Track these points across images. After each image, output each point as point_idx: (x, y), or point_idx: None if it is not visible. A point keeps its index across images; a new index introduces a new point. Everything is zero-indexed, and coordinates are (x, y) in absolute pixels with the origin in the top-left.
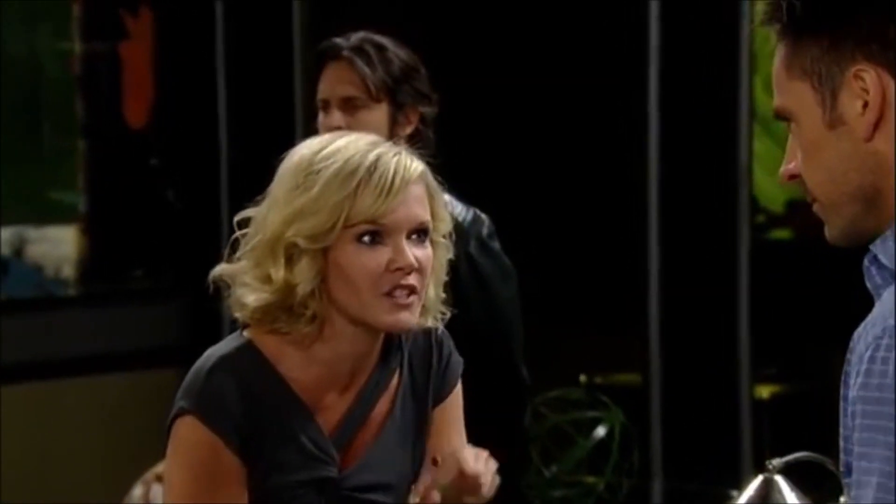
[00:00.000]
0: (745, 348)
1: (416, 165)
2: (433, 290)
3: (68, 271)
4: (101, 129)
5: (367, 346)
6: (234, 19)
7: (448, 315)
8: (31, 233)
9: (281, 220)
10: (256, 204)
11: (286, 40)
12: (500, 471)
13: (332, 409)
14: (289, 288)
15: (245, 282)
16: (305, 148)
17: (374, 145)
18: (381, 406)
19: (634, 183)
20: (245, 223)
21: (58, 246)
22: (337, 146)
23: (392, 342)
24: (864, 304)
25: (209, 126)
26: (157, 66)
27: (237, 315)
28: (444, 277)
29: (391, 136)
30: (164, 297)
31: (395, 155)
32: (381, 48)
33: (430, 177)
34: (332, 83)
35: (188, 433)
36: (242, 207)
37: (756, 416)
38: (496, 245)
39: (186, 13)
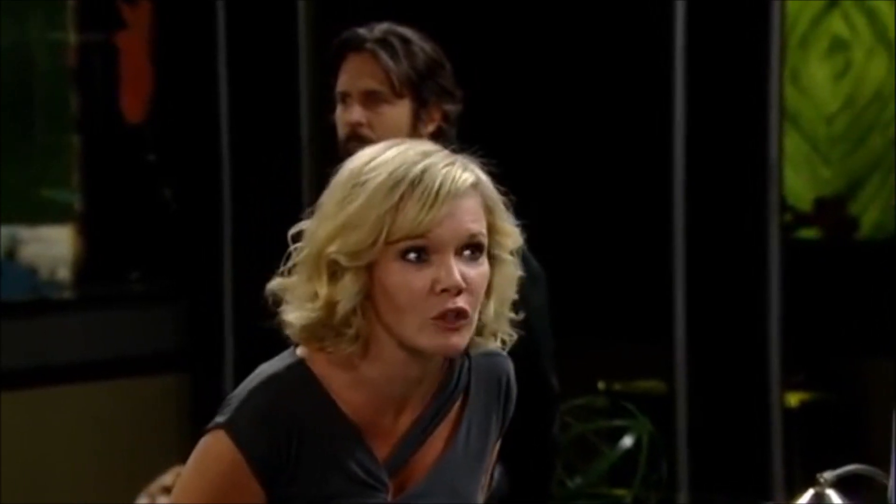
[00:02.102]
0: (775, 354)
1: (467, 177)
2: (493, 308)
3: (63, 273)
4: (96, 124)
5: (418, 370)
6: (236, 8)
7: (515, 336)
8: (25, 233)
9: (325, 236)
10: (308, 215)
11: (291, 31)
12: (528, 483)
13: (387, 434)
14: (331, 305)
15: (292, 298)
16: (358, 158)
17: (425, 156)
18: (442, 431)
19: (659, 181)
20: (299, 237)
21: (52, 247)
22: (387, 157)
23: (454, 366)
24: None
25: (210, 121)
26: (155, 58)
27: (287, 333)
28: (510, 296)
29: (413, 133)
30: (161, 300)
31: (445, 166)
32: (406, 41)
33: (487, 188)
34: (353, 76)
35: (213, 444)
36: (244, 207)
37: (785, 424)
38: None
39: (186, 2)
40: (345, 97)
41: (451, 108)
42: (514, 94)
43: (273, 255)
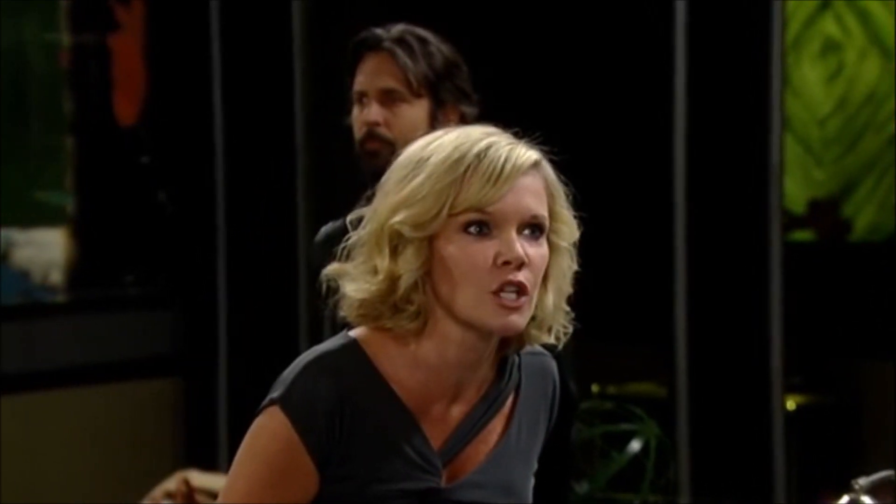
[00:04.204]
0: (776, 357)
1: (531, 155)
2: (552, 300)
3: (56, 277)
4: (90, 126)
5: (476, 352)
6: (230, 10)
7: (571, 331)
8: (17, 236)
9: (387, 209)
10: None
11: (285, 32)
12: (547, 487)
13: (442, 421)
14: (392, 279)
15: (352, 276)
16: (419, 141)
17: (488, 135)
18: (495, 425)
19: (660, 184)
20: (359, 223)
21: (45, 250)
22: (450, 136)
23: (507, 359)
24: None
25: (204, 123)
26: (149, 60)
27: (344, 312)
28: (567, 289)
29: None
30: (156, 303)
31: (509, 144)
32: (423, 41)
33: (549, 172)
34: (370, 75)
35: (268, 423)
36: (238, 209)
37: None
38: None
39: (180, 3)
40: (361, 97)
41: (468, 109)
42: (514, 100)
43: (267, 257)
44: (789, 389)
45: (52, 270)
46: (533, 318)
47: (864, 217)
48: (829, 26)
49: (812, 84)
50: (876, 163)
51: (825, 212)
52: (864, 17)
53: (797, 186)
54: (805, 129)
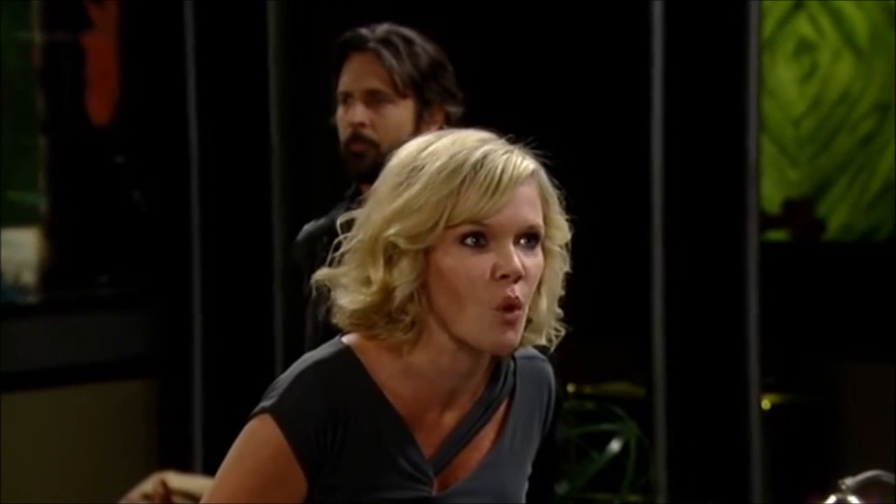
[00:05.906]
0: (753, 357)
1: (528, 164)
2: (545, 304)
3: (29, 277)
4: (63, 126)
5: (470, 364)
6: (204, 8)
7: (563, 333)
8: None
9: (382, 219)
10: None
11: (260, 30)
12: (533, 486)
13: (435, 428)
14: (387, 291)
15: (344, 284)
16: (412, 144)
17: (483, 142)
18: (488, 431)
19: (638, 183)
20: (348, 226)
21: (18, 250)
22: (444, 143)
23: (502, 364)
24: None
25: (178, 122)
26: (122, 59)
27: (336, 320)
28: (559, 291)
29: (415, 134)
30: (130, 304)
31: (505, 153)
32: (408, 41)
33: (544, 179)
34: (355, 76)
35: (258, 430)
36: (213, 209)
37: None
38: None
39: (154, 2)
40: (346, 97)
41: (454, 109)
42: (491, 99)
43: (243, 258)
44: (763, 389)
45: (24, 271)
46: (528, 322)
47: (837, 217)
48: (802, 26)
49: (786, 84)
50: (849, 163)
51: (799, 212)
52: (838, 18)
53: (772, 186)
54: (779, 129)
